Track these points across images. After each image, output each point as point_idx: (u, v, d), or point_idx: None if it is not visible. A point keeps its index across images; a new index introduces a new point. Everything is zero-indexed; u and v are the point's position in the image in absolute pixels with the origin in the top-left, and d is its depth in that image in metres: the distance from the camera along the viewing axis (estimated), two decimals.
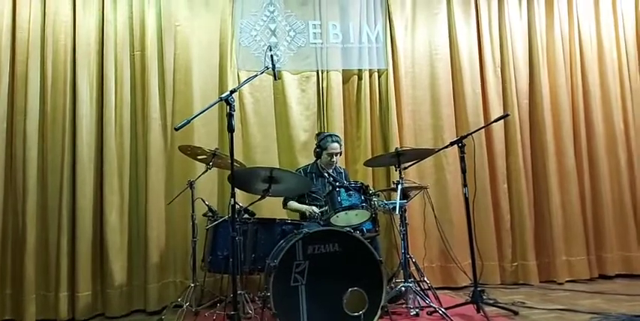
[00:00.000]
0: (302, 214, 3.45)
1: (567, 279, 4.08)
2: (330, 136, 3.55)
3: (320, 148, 3.54)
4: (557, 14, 4.41)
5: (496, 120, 3.35)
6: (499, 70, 4.32)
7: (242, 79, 3.85)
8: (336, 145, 3.48)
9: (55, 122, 3.55)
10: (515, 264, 4.13)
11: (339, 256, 2.53)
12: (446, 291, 3.85)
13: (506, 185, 4.19)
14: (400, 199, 3.01)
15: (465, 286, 3.86)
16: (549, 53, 4.40)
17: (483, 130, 4.11)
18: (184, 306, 3.04)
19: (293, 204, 3.50)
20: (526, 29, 4.41)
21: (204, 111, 2.67)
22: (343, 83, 4.16)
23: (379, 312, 2.50)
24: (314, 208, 3.29)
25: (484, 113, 4.23)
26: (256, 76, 2.85)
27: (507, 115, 3.38)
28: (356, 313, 2.42)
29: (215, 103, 2.68)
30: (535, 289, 3.90)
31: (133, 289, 3.59)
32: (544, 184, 4.23)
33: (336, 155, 3.50)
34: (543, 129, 4.26)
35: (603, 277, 4.18)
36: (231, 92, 2.57)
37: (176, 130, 2.48)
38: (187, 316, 3.05)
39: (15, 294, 3.37)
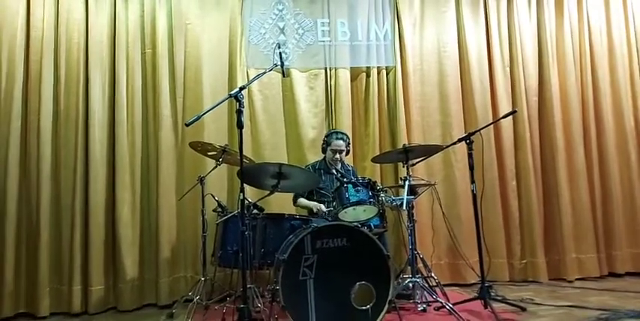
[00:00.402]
0: (310, 211, 3.48)
1: (577, 277, 4.06)
2: (337, 133, 3.59)
3: (326, 144, 3.58)
4: (566, 11, 4.40)
5: (503, 117, 3.36)
6: (508, 67, 4.32)
7: (251, 77, 3.88)
8: (340, 142, 3.51)
9: (68, 120, 3.63)
10: (524, 261, 4.13)
11: (347, 250, 2.56)
12: (454, 288, 3.85)
13: (515, 182, 4.18)
14: (408, 195, 3.02)
15: (474, 283, 3.86)
16: (559, 50, 4.38)
17: (492, 127, 4.13)
18: (195, 300, 3.08)
19: (303, 201, 3.54)
20: (535, 26, 4.40)
21: (214, 107, 2.72)
22: (351, 80, 4.19)
23: (387, 306, 2.52)
24: (322, 206, 3.32)
25: (493, 110, 4.23)
26: (265, 73, 2.89)
27: (515, 112, 3.37)
28: (364, 307, 2.44)
29: (225, 100, 2.72)
30: (544, 287, 3.89)
31: (144, 284, 3.65)
32: (553, 181, 4.22)
33: (339, 152, 3.53)
34: (553, 126, 4.25)
35: (613, 275, 4.17)
36: (241, 89, 2.61)
37: (187, 125, 2.52)
38: (197, 310, 3.09)
39: (29, 288, 3.45)
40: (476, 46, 4.30)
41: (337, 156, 3.53)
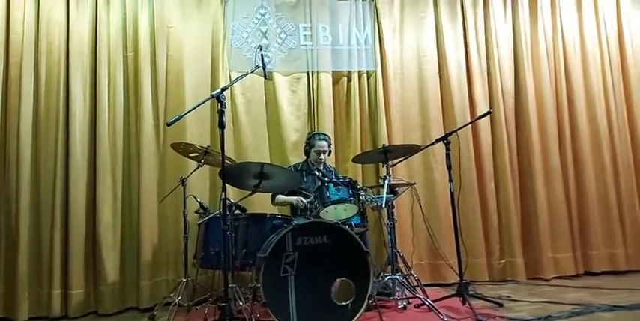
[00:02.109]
0: (291, 207, 3.51)
1: (554, 275, 4.14)
2: (318, 134, 3.67)
3: (308, 146, 3.63)
4: (540, 16, 4.53)
5: (479, 117, 3.47)
6: (485, 71, 4.42)
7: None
8: (323, 143, 3.58)
9: (48, 122, 3.61)
10: (503, 261, 4.20)
11: (328, 247, 2.59)
12: (435, 287, 3.90)
13: (493, 184, 4.26)
14: (387, 195, 3.08)
15: (454, 283, 3.86)
16: (534, 54, 4.50)
17: (471, 130, 4.23)
18: (176, 300, 3.08)
19: (281, 197, 3.56)
20: (511, 31, 4.52)
21: (196, 107, 2.76)
22: (333, 84, 4.25)
23: (366, 302, 2.56)
24: (301, 198, 3.36)
25: (471, 114, 4.30)
26: (247, 74, 2.93)
27: (490, 113, 3.46)
28: (344, 303, 2.48)
29: (206, 100, 2.76)
30: (522, 285, 3.96)
31: (125, 287, 3.63)
32: (530, 183, 4.31)
33: (323, 153, 3.59)
34: (529, 129, 4.35)
35: (589, 273, 4.26)
36: (222, 89, 2.65)
37: (168, 125, 2.55)
38: (179, 312, 3.08)
39: (8, 292, 3.40)
40: (454, 51, 4.40)
41: (322, 157, 3.59)
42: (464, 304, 2.98)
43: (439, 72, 4.38)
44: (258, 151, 4.02)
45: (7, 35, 3.60)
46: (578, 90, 4.49)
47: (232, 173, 2.87)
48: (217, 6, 4.08)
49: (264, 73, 3.00)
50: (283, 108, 4.13)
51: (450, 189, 3.22)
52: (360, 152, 4.08)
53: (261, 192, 2.95)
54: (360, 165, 4.07)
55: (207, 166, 3.55)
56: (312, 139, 3.64)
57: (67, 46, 3.68)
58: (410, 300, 3.13)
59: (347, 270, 2.55)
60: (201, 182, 3.77)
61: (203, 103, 2.77)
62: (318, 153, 3.58)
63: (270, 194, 3.60)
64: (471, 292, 3.10)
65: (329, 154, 3.70)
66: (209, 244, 3.16)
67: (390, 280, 3.19)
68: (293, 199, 3.45)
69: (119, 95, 3.77)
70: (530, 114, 4.36)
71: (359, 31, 4.33)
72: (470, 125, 3.99)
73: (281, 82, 4.18)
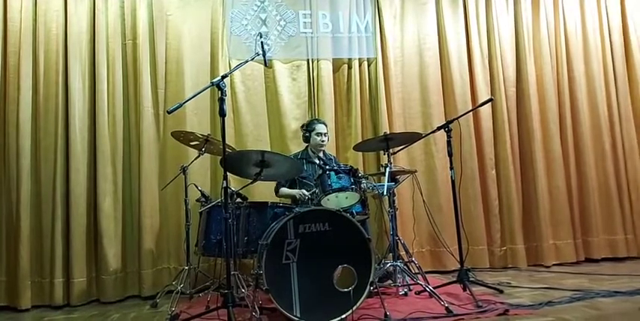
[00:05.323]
0: (293, 199, 3.51)
1: (554, 262, 4.17)
2: (317, 119, 3.72)
3: (308, 132, 3.63)
4: (542, 4, 4.49)
5: (481, 104, 3.45)
6: (486, 59, 4.39)
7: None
8: (322, 126, 3.62)
9: (47, 112, 3.60)
10: (504, 248, 4.22)
11: (330, 234, 2.59)
12: (435, 274, 3.93)
13: (494, 172, 4.27)
14: (388, 182, 3.08)
15: (454, 270, 3.89)
16: (535, 42, 4.48)
17: (472, 118, 4.22)
18: (178, 288, 3.09)
19: (284, 190, 3.57)
20: (512, 18, 4.49)
21: (196, 95, 2.75)
22: (333, 72, 4.22)
23: (368, 288, 2.57)
24: (304, 191, 3.36)
25: (472, 101, 4.29)
26: (247, 61, 2.92)
27: (491, 100, 3.44)
28: (346, 289, 2.49)
29: (207, 88, 2.75)
30: (523, 272, 3.99)
31: (127, 275, 3.65)
32: (531, 171, 4.32)
33: (324, 135, 3.60)
34: (530, 116, 4.34)
35: (589, 260, 4.29)
36: (223, 77, 2.64)
37: (169, 113, 2.54)
38: (181, 300, 3.10)
39: (10, 281, 3.42)
40: (455, 38, 4.37)
41: (323, 138, 3.59)
42: (464, 290, 2.99)
43: (440, 59, 4.36)
44: (258, 140, 4.01)
45: (4, 24, 3.57)
46: (579, 77, 4.48)
47: (233, 161, 2.86)
48: None
49: (264, 61, 2.97)
50: (283, 96, 4.11)
51: (451, 176, 3.22)
52: (360, 140, 4.07)
53: (262, 180, 2.94)
54: (360, 153, 4.07)
55: (208, 155, 3.54)
56: (310, 123, 3.66)
57: (65, 35, 3.65)
58: (411, 287, 3.15)
59: (349, 257, 2.55)
60: (202, 171, 3.77)
61: (203, 91, 2.76)
62: (319, 134, 3.59)
63: (274, 186, 3.60)
64: (471, 279, 3.12)
65: (327, 140, 3.70)
66: (211, 232, 3.16)
67: (391, 267, 3.20)
68: (295, 192, 3.45)
69: (118, 84, 3.74)
70: (531, 101, 4.36)
71: (359, 18, 4.29)
72: (471, 113, 3.99)
73: (281, 69, 4.15)
